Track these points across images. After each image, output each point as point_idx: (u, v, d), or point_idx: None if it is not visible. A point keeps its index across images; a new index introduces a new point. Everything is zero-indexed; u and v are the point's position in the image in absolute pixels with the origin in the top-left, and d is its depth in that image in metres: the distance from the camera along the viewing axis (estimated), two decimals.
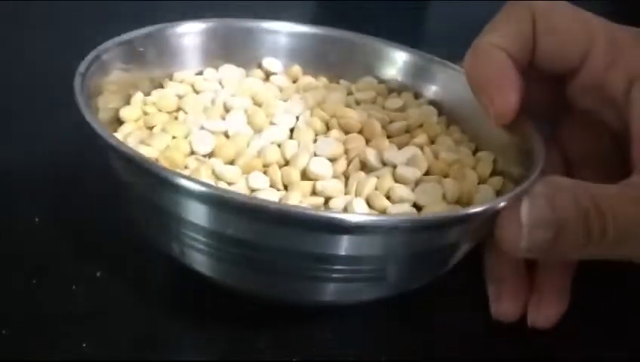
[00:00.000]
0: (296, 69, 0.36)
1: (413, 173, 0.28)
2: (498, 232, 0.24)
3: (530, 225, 0.24)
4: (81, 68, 0.27)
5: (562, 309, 0.28)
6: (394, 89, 0.35)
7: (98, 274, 0.28)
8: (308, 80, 0.35)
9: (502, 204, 0.23)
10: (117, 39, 0.30)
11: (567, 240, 0.24)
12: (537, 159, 0.26)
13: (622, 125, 0.28)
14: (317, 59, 0.36)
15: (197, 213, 0.21)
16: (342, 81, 0.36)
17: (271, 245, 0.21)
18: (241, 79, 0.34)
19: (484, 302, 0.29)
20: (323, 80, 0.36)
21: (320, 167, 0.27)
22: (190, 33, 0.33)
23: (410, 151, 0.29)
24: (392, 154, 0.29)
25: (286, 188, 0.27)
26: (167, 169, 0.22)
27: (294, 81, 0.36)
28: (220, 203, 0.21)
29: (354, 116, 0.31)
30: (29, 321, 0.26)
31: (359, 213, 0.24)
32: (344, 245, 0.21)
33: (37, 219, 0.31)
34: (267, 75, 0.35)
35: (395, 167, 0.28)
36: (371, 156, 0.28)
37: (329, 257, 0.21)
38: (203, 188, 0.21)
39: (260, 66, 0.36)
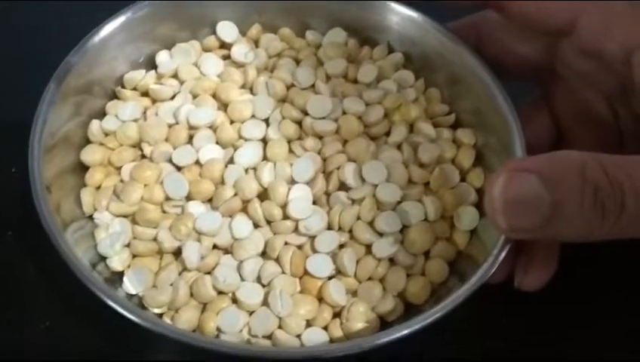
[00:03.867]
0: (256, 29, 0.33)
1: (393, 195, 0.27)
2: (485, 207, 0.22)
3: (507, 202, 0.22)
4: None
5: (551, 272, 0.27)
6: (365, 40, 0.32)
7: None
8: (270, 41, 0.32)
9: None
10: (56, 75, 0.27)
11: (572, 221, 0.21)
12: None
13: (617, 89, 0.27)
14: (277, 6, 0.33)
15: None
16: (308, 34, 0.33)
17: None
18: (197, 59, 0.31)
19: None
20: (287, 33, 0.33)
21: (299, 207, 0.27)
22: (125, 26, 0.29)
23: (389, 157, 0.28)
24: (371, 170, 0.28)
25: (269, 222, 0.27)
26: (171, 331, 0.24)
27: (256, 42, 0.33)
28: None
29: (327, 113, 0.29)
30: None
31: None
32: None
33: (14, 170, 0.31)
34: (223, 44, 0.32)
35: (375, 185, 0.28)
36: (349, 176, 0.28)
37: None
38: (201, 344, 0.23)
39: (214, 32, 0.32)
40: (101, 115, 0.30)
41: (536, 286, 0.27)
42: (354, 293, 0.27)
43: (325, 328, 0.26)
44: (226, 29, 0.32)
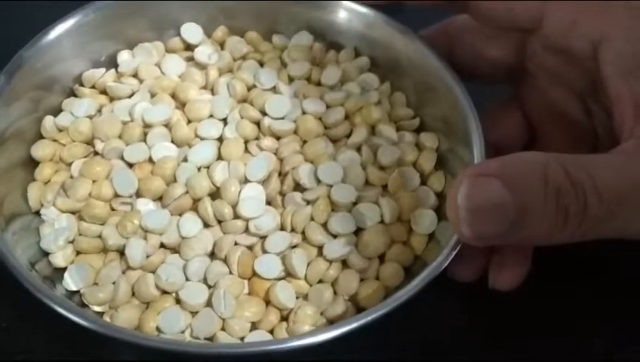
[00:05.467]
0: (222, 31, 0.32)
1: (348, 196, 0.26)
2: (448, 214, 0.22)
3: (471, 210, 0.21)
4: None
5: (524, 271, 0.26)
6: (332, 44, 0.32)
7: None
8: (235, 44, 0.32)
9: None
10: (7, 69, 0.27)
11: (536, 225, 0.21)
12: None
13: (587, 86, 0.27)
14: (244, 11, 0.32)
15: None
16: (275, 38, 0.32)
17: None
18: (159, 59, 0.31)
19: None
20: (253, 36, 0.32)
21: (250, 206, 0.26)
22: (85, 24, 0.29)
23: (347, 158, 0.28)
24: (327, 171, 0.27)
25: (219, 221, 0.27)
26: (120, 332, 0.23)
27: (221, 44, 0.32)
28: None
29: (286, 113, 0.29)
30: None
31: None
32: None
33: None
34: (188, 46, 0.32)
35: (330, 186, 0.27)
36: (304, 176, 0.27)
37: None
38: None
39: (179, 34, 0.32)
40: (58, 112, 0.29)
41: (510, 285, 0.26)
42: (305, 297, 0.26)
43: (272, 331, 0.25)
44: (191, 31, 0.32)
